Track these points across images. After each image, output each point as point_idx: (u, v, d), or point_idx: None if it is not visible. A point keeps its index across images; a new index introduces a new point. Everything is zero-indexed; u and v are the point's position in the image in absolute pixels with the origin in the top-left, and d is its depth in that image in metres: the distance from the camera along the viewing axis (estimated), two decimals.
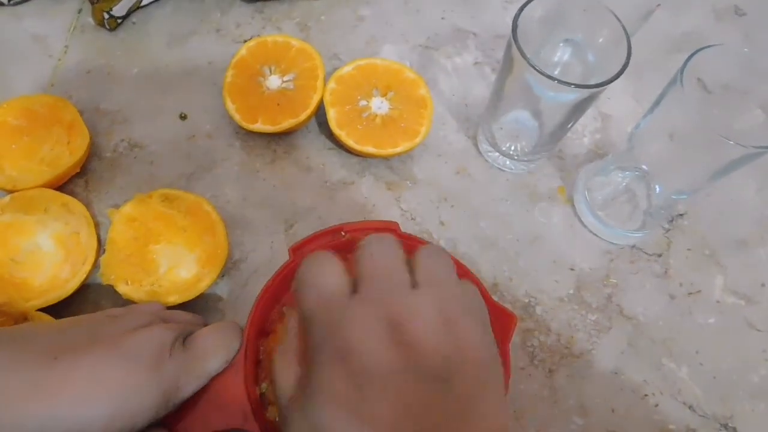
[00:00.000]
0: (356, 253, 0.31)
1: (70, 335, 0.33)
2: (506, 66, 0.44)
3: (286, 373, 0.31)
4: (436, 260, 0.31)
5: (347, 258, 0.41)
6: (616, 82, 0.40)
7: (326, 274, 0.30)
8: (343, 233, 0.39)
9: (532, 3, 0.42)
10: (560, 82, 0.40)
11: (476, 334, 0.29)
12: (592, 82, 0.40)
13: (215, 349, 0.35)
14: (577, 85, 0.40)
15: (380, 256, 0.30)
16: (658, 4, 0.47)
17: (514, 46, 0.41)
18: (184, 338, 0.35)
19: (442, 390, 0.26)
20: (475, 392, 0.27)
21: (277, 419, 0.36)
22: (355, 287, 0.30)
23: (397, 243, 0.32)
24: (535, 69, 0.40)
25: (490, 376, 0.28)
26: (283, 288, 0.39)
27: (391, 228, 0.40)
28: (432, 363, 0.27)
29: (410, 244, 0.39)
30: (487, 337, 0.30)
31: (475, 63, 0.60)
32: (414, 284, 0.30)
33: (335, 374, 0.27)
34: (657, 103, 0.41)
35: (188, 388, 0.34)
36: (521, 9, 0.41)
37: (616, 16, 0.42)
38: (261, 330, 0.38)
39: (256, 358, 0.37)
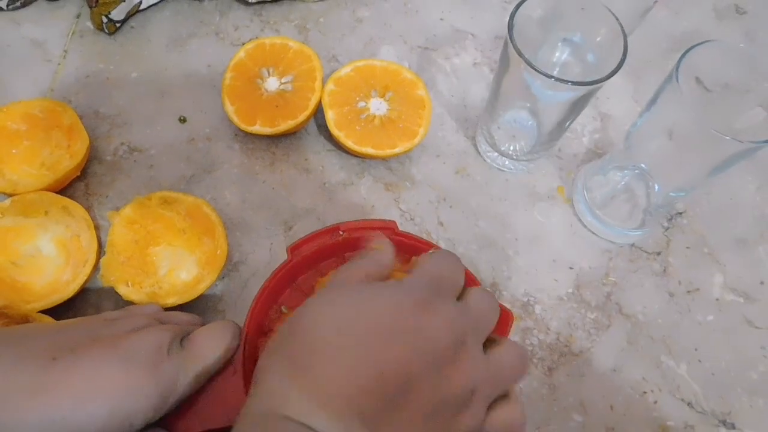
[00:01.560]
0: (425, 254, 0.34)
1: (69, 336, 0.33)
2: (503, 65, 0.44)
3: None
4: (486, 298, 0.33)
5: (345, 257, 0.41)
6: (615, 81, 0.40)
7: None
8: (341, 232, 0.40)
9: (528, 2, 0.42)
10: (557, 79, 0.40)
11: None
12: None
13: (213, 349, 0.35)
14: (574, 83, 0.40)
15: (450, 265, 0.34)
16: (655, 1, 0.47)
17: (510, 45, 0.41)
18: (182, 338, 0.35)
19: (435, 402, 0.27)
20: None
21: None
22: None
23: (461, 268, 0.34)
24: (531, 67, 0.40)
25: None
26: (281, 287, 0.39)
27: (389, 227, 0.40)
28: (449, 387, 0.28)
29: (408, 243, 0.40)
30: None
31: (474, 64, 0.60)
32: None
33: (379, 289, 0.31)
34: (654, 100, 0.42)
35: (186, 388, 0.34)
36: (517, 7, 0.42)
37: (613, 14, 0.42)
38: (260, 329, 0.38)
39: (254, 356, 0.37)
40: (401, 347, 0.27)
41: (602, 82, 0.40)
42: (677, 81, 0.38)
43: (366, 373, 0.26)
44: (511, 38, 0.41)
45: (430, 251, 0.34)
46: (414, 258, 0.35)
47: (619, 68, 0.40)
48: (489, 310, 0.32)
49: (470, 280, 0.38)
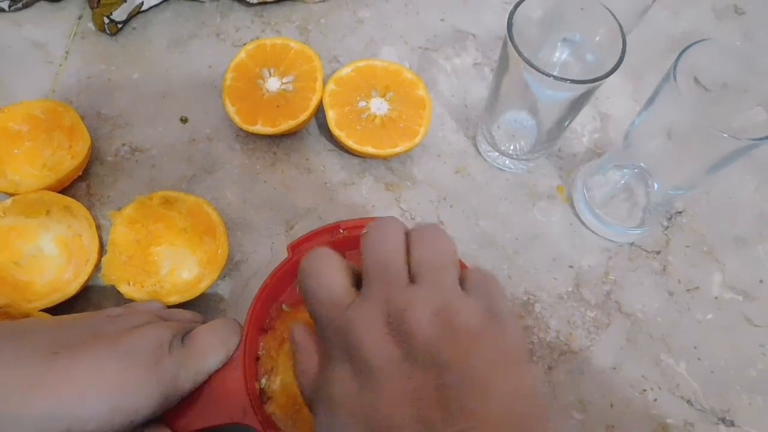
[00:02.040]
0: (361, 241, 0.31)
1: (71, 332, 0.33)
2: (503, 65, 0.44)
3: (306, 378, 0.31)
4: (431, 246, 0.31)
5: (346, 255, 0.41)
6: (615, 81, 0.41)
7: (327, 275, 0.30)
8: (341, 230, 0.40)
9: (528, 2, 0.42)
10: (556, 78, 0.40)
11: (475, 318, 0.28)
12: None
13: (214, 346, 0.35)
14: (573, 81, 0.40)
15: (380, 249, 0.30)
16: (654, 0, 0.47)
17: (509, 44, 0.41)
18: (183, 336, 0.36)
19: (440, 370, 0.26)
20: (476, 370, 0.26)
21: (274, 414, 0.36)
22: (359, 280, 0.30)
23: (398, 228, 0.31)
24: (530, 66, 0.40)
25: (494, 354, 0.27)
26: (282, 285, 0.39)
27: None
28: (427, 347, 0.27)
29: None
30: (493, 317, 0.29)
31: (475, 64, 0.60)
32: (412, 276, 0.30)
33: (344, 375, 0.28)
34: (652, 100, 0.42)
35: (187, 385, 0.34)
36: (516, 7, 0.42)
37: (612, 13, 0.42)
38: (260, 326, 0.38)
39: (255, 354, 0.38)
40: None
41: (601, 80, 0.40)
42: (674, 80, 0.38)
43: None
44: (510, 38, 0.41)
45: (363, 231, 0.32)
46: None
47: (618, 67, 0.40)
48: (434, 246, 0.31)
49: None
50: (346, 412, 0.27)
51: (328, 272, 0.30)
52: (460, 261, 0.32)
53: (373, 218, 0.41)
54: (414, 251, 0.30)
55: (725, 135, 0.37)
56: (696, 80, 0.42)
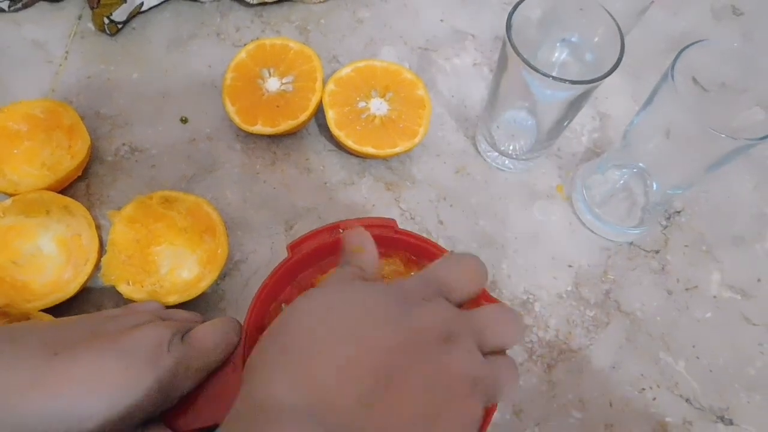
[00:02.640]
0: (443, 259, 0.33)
1: (70, 332, 0.33)
2: (502, 65, 0.44)
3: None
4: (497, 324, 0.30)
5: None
6: (614, 81, 0.41)
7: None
8: (341, 230, 0.40)
9: (527, 2, 0.42)
10: (555, 78, 0.40)
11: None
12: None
13: (213, 345, 0.35)
14: (572, 82, 0.40)
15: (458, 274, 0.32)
16: (652, 0, 0.48)
17: (508, 45, 0.41)
18: (183, 335, 0.36)
19: (426, 392, 0.26)
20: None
21: None
22: None
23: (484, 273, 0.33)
24: (529, 66, 0.40)
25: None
26: (282, 284, 0.39)
27: (389, 225, 0.40)
28: (438, 375, 0.27)
29: (407, 242, 0.40)
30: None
31: (474, 64, 0.60)
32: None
33: (370, 287, 0.30)
34: (650, 100, 0.42)
35: (187, 384, 0.34)
36: (515, 8, 0.42)
37: (610, 14, 0.42)
38: (260, 325, 0.38)
39: None
40: (383, 336, 0.27)
41: (600, 80, 0.40)
42: (672, 80, 0.38)
43: (348, 364, 0.26)
44: (509, 38, 0.41)
45: (446, 254, 0.33)
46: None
47: (616, 67, 0.41)
48: (502, 322, 0.30)
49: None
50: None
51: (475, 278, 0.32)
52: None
53: (374, 218, 0.41)
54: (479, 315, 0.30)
55: (723, 135, 0.37)
56: (694, 80, 0.42)
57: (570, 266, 0.50)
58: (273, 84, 0.53)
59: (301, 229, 0.50)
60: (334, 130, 0.51)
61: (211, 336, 0.36)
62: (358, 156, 0.53)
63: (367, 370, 0.26)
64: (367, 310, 0.28)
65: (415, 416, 0.26)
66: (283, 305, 0.39)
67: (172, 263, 0.45)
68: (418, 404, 0.26)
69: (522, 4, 0.42)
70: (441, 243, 0.50)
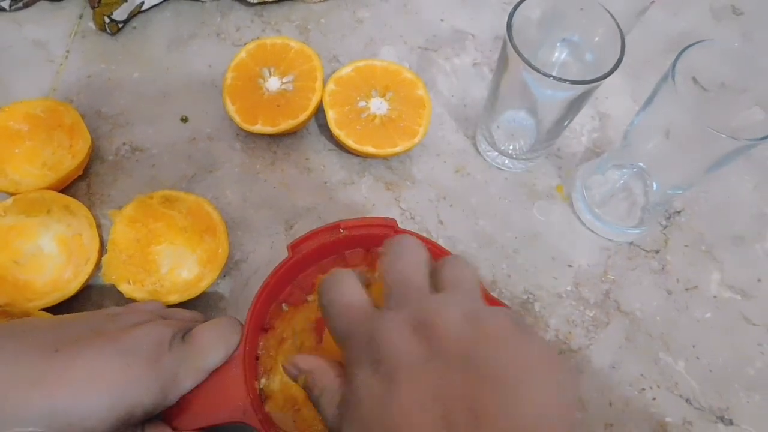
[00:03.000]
0: (380, 259, 0.31)
1: (71, 329, 0.33)
2: (502, 65, 0.44)
3: (328, 399, 0.30)
4: (456, 268, 0.31)
5: (346, 254, 0.42)
6: (614, 81, 0.41)
7: (348, 287, 0.30)
8: (341, 230, 0.40)
9: (527, 2, 0.42)
10: (555, 78, 0.40)
11: (505, 324, 0.27)
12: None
13: (214, 344, 0.35)
14: (573, 82, 0.40)
15: (402, 262, 0.31)
16: (652, 1, 0.48)
17: (509, 45, 0.41)
18: (184, 334, 0.36)
19: (469, 370, 0.25)
20: (509, 373, 0.25)
21: (272, 414, 0.36)
22: (380, 298, 0.30)
23: (417, 243, 0.32)
24: (529, 66, 0.40)
25: (528, 360, 0.26)
26: (282, 284, 0.39)
27: (389, 225, 0.41)
28: (456, 347, 0.26)
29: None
30: (522, 328, 0.27)
31: (474, 64, 0.60)
32: (437, 289, 0.30)
33: (370, 380, 0.27)
34: (650, 100, 0.42)
35: (187, 383, 0.34)
36: (515, 8, 0.42)
37: (610, 13, 0.42)
38: (260, 325, 0.38)
39: (255, 353, 0.38)
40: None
41: (600, 81, 0.41)
42: (673, 80, 0.38)
43: None
44: (509, 38, 0.41)
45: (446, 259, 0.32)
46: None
47: (617, 67, 0.41)
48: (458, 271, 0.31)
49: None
50: (371, 408, 0.26)
51: (349, 285, 0.31)
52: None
53: (374, 217, 0.41)
54: (440, 271, 0.31)
55: (723, 135, 0.37)
56: (694, 80, 0.42)
57: (570, 266, 0.50)
58: (273, 83, 0.53)
59: (302, 228, 0.50)
60: (334, 130, 0.51)
61: (211, 335, 0.36)
62: (358, 155, 0.53)
63: None
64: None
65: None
66: (283, 305, 0.40)
67: (173, 263, 0.46)
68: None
69: (522, 4, 0.42)
70: (441, 243, 0.50)
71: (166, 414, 0.34)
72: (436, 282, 0.30)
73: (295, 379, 0.32)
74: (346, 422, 0.28)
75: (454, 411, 0.24)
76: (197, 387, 0.35)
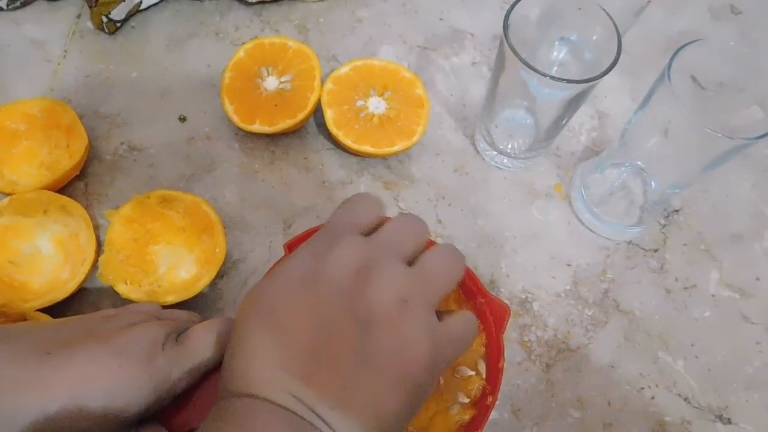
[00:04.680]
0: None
1: (64, 332, 0.33)
2: (499, 64, 0.44)
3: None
4: (445, 260, 0.32)
5: None
6: (612, 80, 0.41)
7: (366, 206, 0.34)
8: None
9: (524, 1, 0.42)
10: (552, 78, 0.40)
11: (420, 331, 0.29)
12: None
13: (209, 344, 0.35)
14: (569, 81, 0.40)
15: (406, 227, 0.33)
16: (649, 0, 0.48)
17: (506, 44, 0.41)
18: (179, 334, 0.36)
19: (359, 330, 0.28)
20: (390, 349, 0.28)
21: None
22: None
23: (374, 202, 0.35)
24: (527, 65, 0.40)
25: (415, 363, 0.28)
26: None
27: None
28: (366, 309, 0.28)
29: None
30: (432, 348, 0.29)
31: (473, 63, 0.60)
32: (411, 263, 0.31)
33: (287, 260, 0.31)
34: (647, 99, 0.42)
35: (181, 383, 0.34)
36: (512, 7, 0.42)
37: (607, 13, 0.42)
38: None
39: None
40: (315, 299, 0.28)
41: (596, 80, 0.41)
42: (668, 80, 0.38)
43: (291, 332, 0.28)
44: (506, 37, 0.41)
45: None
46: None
47: (613, 66, 0.41)
48: (445, 270, 0.32)
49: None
50: (255, 301, 0.29)
51: (368, 206, 0.34)
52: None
53: None
54: (431, 252, 0.32)
55: (720, 134, 0.37)
56: (693, 79, 0.42)
57: (569, 265, 0.50)
58: (271, 83, 0.53)
59: (300, 228, 0.50)
60: (333, 129, 0.51)
61: (206, 335, 0.36)
62: (356, 155, 0.53)
63: (307, 332, 0.27)
64: (296, 272, 0.30)
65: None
66: None
67: (170, 263, 0.45)
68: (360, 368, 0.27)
69: (519, 3, 0.42)
70: (440, 242, 0.50)
71: (160, 414, 0.34)
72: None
73: None
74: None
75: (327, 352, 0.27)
76: (192, 387, 0.35)
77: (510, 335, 0.47)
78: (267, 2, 0.61)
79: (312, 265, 0.29)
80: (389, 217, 0.33)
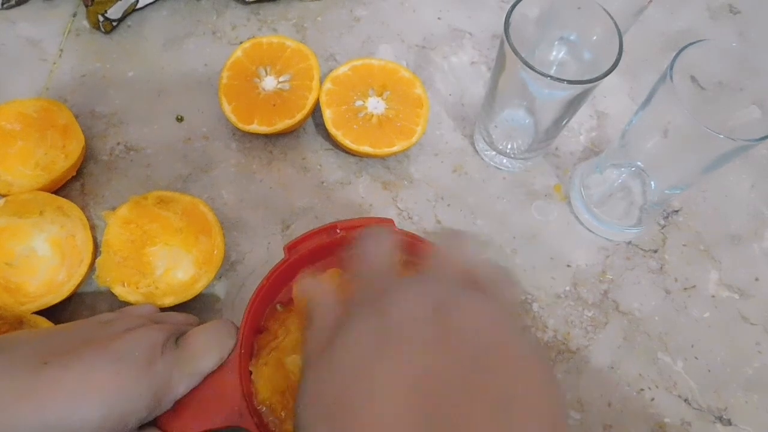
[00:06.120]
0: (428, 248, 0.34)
1: (60, 340, 0.33)
2: (499, 64, 0.44)
3: (320, 313, 0.31)
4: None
5: (342, 258, 0.41)
6: (612, 80, 0.41)
7: (386, 248, 0.33)
8: (338, 230, 0.40)
9: (524, 1, 0.42)
10: (553, 78, 0.40)
11: (521, 351, 0.26)
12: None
13: (208, 348, 0.35)
14: (570, 82, 0.40)
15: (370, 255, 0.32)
16: (650, 0, 0.47)
17: (506, 44, 0.41)
18: (177, 338, 0.35)
19: (475, 371, 0.25)
20: (513, 392, 0.24)
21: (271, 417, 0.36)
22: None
23: (386, 236, 0.34)
24: (527, 66, 0.40)
25: (531, 389, 0.25)
26: (278, 286, 0.39)
27: (386, 225, 0.40)
28: (467, 348, 0.25)
29: (405, 242, 0.40)
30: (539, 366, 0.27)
31: (472, 63, 0.60)
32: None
33: (367, 325, 0.27)
34: (648, 99, 0.42)
35: (180, 388, 0.34)
36: (513, 6, 0.42)
37: (608, 13, 0.42)
38: (256, 327, 0.38)
39: (250, 355, 0.37)
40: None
41: (598, 81, 0.40)
42: (671, 80, 0.38)
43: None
44: (507, 37, 0.41)
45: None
46: None
47: (614, 67, 0.40)
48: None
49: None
50: (357, 355, 0.26)
51: (386, 245, 0.33)
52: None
53: (372, 217, 0.41)
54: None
55: (720, 135, 0.37)
56: (692, 79, 0.42)
57: (568, 266, 0.50)
58: (269, 83, 0.52)
59: (298, 228, 0.50)
60: (331, 129, 0.50)
61: (205, 339, 0.35)
62: (355, 155, 0.53)
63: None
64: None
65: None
66: (278, 306, 0.39)
67: (168, 264, 0.45)
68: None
69: (520, 3, 0.42)
70: (438, 243, 0.50)
71: (160, 419, 0.34)
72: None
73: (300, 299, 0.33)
74: (328, 351, 0.28)
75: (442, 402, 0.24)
76: (192, 391, 0.34)
77: None
78: (264, 1, 0.61)
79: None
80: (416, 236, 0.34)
